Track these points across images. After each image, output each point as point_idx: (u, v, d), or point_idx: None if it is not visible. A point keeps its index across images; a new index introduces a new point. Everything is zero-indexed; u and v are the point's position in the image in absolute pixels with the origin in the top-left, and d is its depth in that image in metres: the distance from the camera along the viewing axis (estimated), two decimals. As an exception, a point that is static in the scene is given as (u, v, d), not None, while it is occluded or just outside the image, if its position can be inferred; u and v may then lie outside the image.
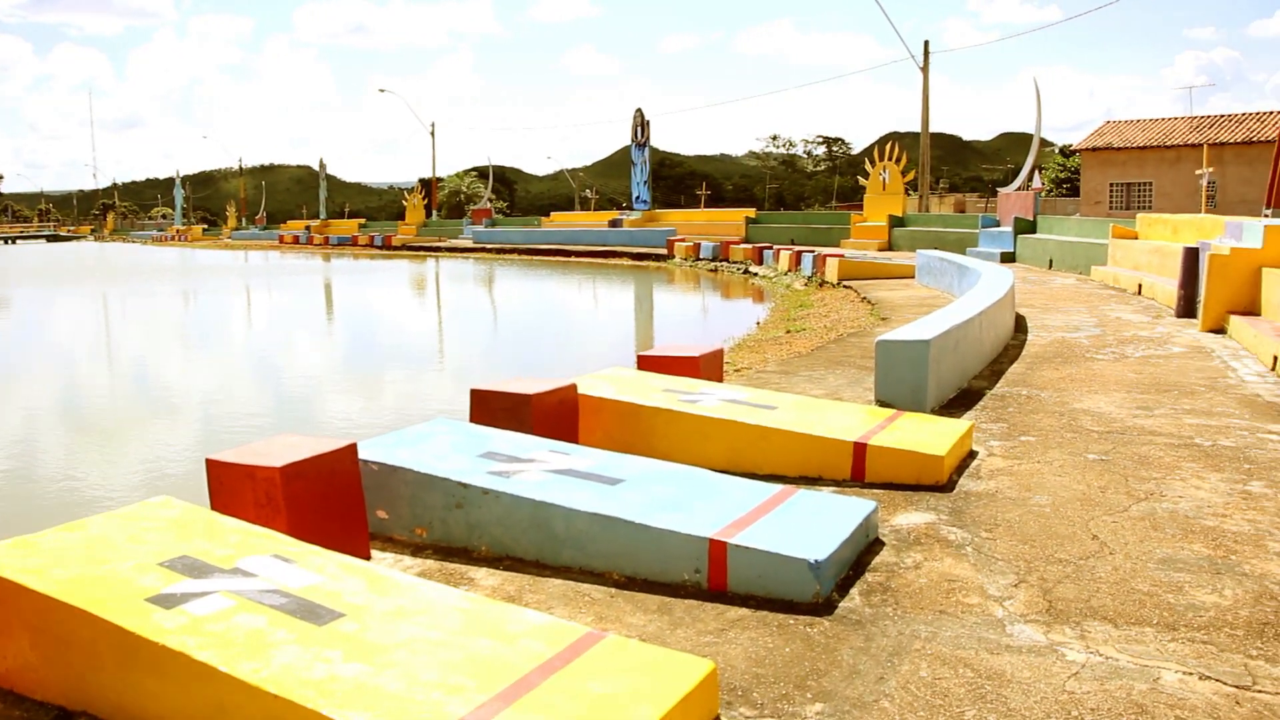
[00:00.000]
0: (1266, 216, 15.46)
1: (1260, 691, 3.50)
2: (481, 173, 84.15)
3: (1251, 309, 12.56)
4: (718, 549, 4.35)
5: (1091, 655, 3.77)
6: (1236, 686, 3.53)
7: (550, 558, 4.77)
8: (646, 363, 7.97)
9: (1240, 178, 40.14)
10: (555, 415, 6.35)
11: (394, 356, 18.89)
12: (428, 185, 77.04)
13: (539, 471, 5.16)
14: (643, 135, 53.99)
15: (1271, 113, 43.44)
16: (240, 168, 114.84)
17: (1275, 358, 9.77)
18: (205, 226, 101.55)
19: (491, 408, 6.29)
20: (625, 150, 56.67)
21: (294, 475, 4.48)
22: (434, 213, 72.48)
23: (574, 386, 6.63)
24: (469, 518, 4.99)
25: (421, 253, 56.86)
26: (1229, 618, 4.10)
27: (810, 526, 4.57)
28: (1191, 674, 3.62)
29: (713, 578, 4.37)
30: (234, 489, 4.52)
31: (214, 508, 4.50)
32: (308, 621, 3.32)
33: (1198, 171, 22.72)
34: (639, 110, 54.08)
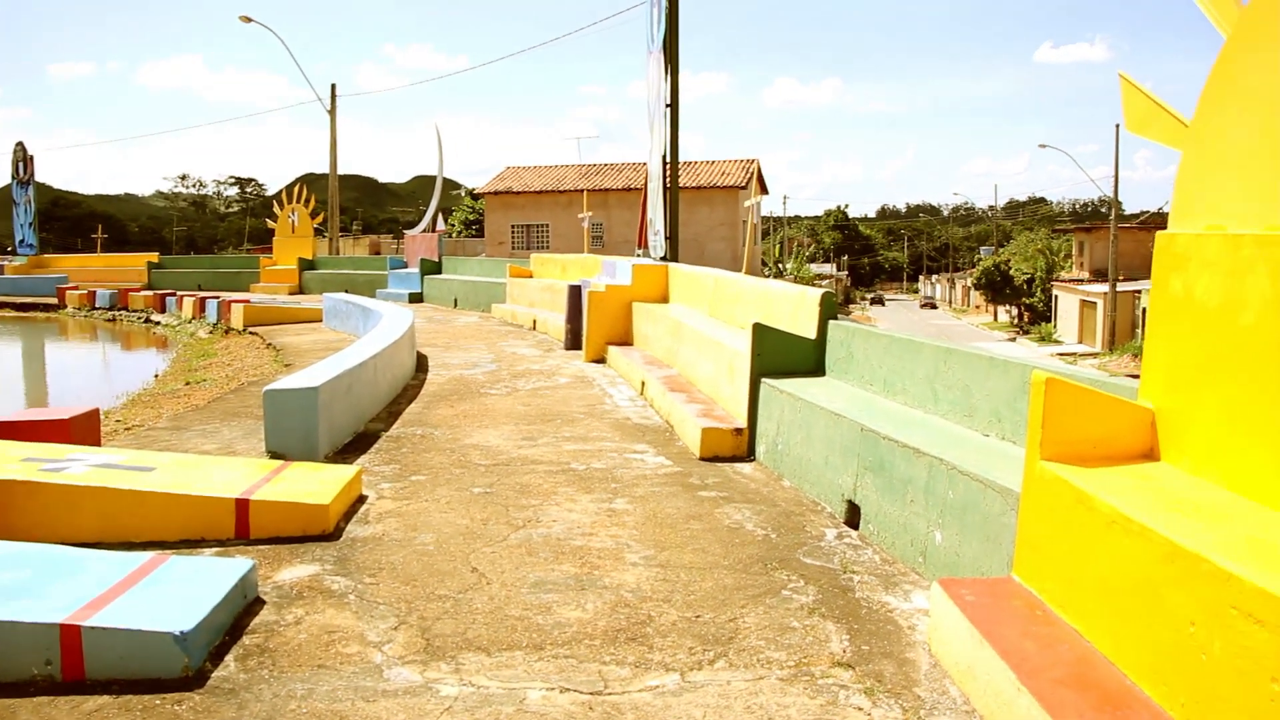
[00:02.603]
0: (638, 256, 17.22)
1: (610, 694, 3.83)
2: None
3: (626, 340, 13.93)
4: (71, 634, 3.93)
5: (464, 687, 3.89)
6: (591, 694, 3.83)
7: None
8: (5, 430, 7.10)
9: (623, 220, 44.48)
10: (-122, 500, 5.45)
11: None
12: None
13: None
14: (25, 172, 48.71)
15: (644, 163, 48.62)
16: None
17: (643, 383, 10.88)
18: None
19: None
20: (7, 189, 50.74)
21: None
22: None
23: (-97, 465, 5.73)
24: None
25: None
26: (589, 630, 4.45)
27: (179, 595, 4.29)
28: (554, 689, 3.87)
29: (67, 668, 3.94)
30: None
31: None
32: None
33: (580, 215, 24.74)
34: (20, 144, 48.75)
